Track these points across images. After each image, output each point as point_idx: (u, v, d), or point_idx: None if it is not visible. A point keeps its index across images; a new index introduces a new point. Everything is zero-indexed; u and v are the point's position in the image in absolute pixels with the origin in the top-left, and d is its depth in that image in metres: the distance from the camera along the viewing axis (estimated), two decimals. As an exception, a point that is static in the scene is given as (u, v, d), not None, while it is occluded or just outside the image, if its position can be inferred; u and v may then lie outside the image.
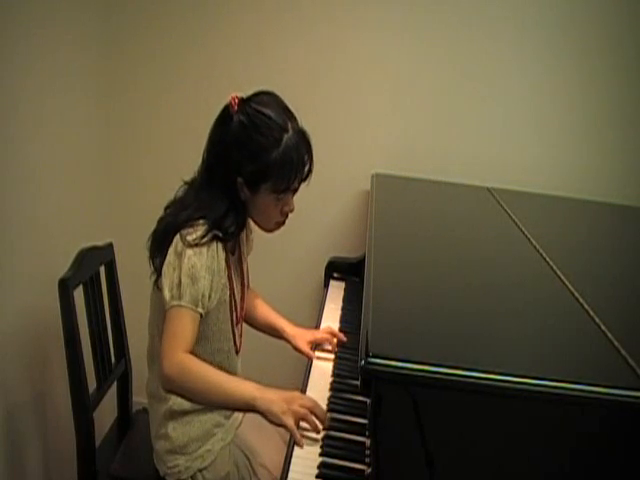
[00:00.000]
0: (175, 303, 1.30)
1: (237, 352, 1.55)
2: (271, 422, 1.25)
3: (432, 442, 0.96)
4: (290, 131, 1.36)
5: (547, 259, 1.47)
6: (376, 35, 2.18)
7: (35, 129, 1.80)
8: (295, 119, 1.39)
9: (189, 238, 1.30)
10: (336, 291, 2.04)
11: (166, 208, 1.43)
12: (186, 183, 1.44)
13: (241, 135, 1.34)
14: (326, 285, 2.11)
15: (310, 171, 1.40)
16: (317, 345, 1.66)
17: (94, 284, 1.71)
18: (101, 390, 1.69)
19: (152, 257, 1.40)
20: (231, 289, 1.45)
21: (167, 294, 1.30)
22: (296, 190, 1.42)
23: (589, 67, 2.15)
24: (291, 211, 1.45)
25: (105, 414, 1.77)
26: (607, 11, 2.10)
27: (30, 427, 1.87)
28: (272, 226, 1.46)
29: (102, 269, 1.77)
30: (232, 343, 1.51)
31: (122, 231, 2.34)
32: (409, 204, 2.01)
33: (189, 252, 1.30)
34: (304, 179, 1.40)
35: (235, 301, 1.48)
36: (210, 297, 1.35)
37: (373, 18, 2.17)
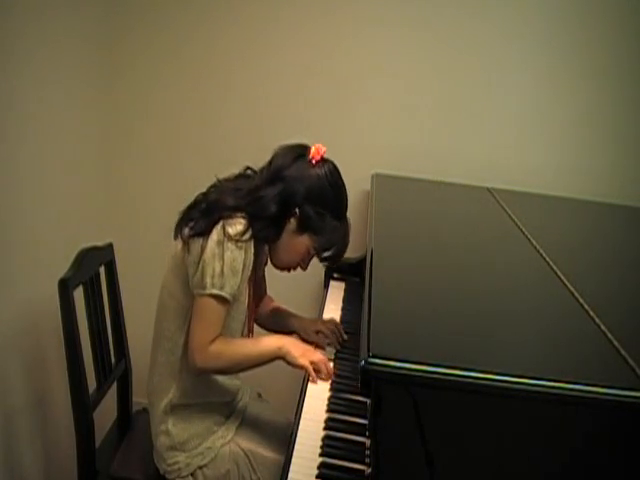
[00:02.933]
0: (215, 292, 1.35)
1: None
2: (289, 363, 1.41)
3: (432, 442, 0.96)
4: (347, 216, 1.51)
5: (547, 259, 1.47)
6: (377, 35, 2.18)
7: (35, 129, 1.80)
8: None
9: (230, 231, 1.35)
10: (336, 291, 2.04)
11: (211, 187, 1.48)
12: (246, 175, 1.51)
13: (317, 184, 1.43)
14: (326, 285, 2.11)
15: (340, 257, 1.54)
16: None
17: (94, 284, 1.71)
18: (101, 390, 1.69)
19: (184, 221, 1.43)
20: (249, 291, 1.50)
21: (208, 280, 1.35)
22: (320, 258, 1.53)
23: (589, 67, 2.15)
24: (304, 269, 1.54)
25: (105, 414, 1.77)
26: (609, 12, 2.10)
27: (30, 427, 1.87)
28: (283, 266, 1.54)
29: (102, 269, 1.77)
30: None
31: (122, 231, 2.34)
32: (409, 204, 2.01)
33: (231, 246, 1.35)
34: (336, 259, 1.53)
35: (250, 304, 1.52)
36: (239, 289, 1.40)
37: (374, 18, 2.17)
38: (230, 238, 1.34)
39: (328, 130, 2.27)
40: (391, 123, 2.25)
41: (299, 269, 1.55)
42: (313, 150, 1.45)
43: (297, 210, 1.43)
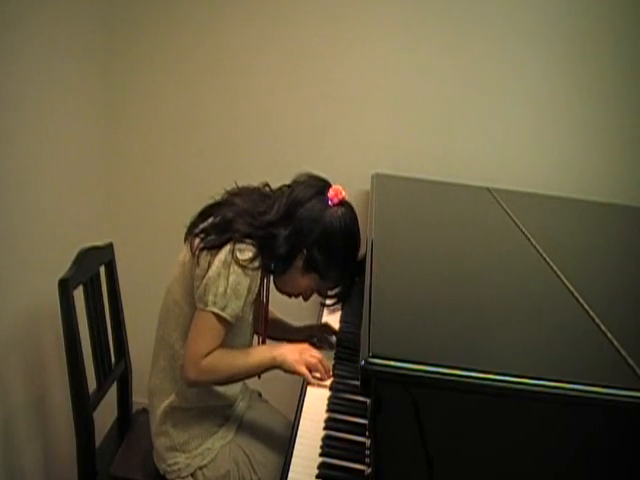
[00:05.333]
0: (217, 311, 1.34)
1: None
2: (286, 371, 1.40)
3: (432, 442, 0.96)
4: (357, 260, 1.48)
5: (547, 259, 1.47)
6: (376, 35, 2.18)
7: (35, 129, 1.80)
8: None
9: (239, 256, 1.34)
10: (336, 291, 2.04)
11: (226, 197, 1.46)
12: (263, 194, 1.48)
13: (331, 228, 1.41)
14: (326, 285, 2.10)
15: (342, 301, 1.56)
16: (317, 340, 1.66)
17: (94, 284, 1.71)
18: (101, 390, 1.69)
19: (195, 226, 1.42)
20: (256, 309, 1.50)
21: (210, 297, 1.34)
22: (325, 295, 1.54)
23: (589, 67, 2.15)
24: (305, 300, 1.54)
25: (105, 414, 1.77)
26: (606, 12, 2.10)
27: (30, 427, 1.87)
28: (285, 293, 1.53)
29: (102, 269, 1.77)
30: None
31: (122, 231, 2.34)
32: (409, 204, 2.01)
33: (237, 269, 1.34)
34: (337, 302, 1.55)
35: (256, 322, 1.53)
36: (243, 310, 1.40)
37: (374, 19, 2.17)
38: (237, 262, 1.34)
39: (328, 130, 2.27)
40: (391, 123, 2.25)
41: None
42: (332, 192, 1.44)
43: (305, 250, 1.42)
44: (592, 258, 1.66)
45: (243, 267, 1.34)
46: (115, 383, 1.81)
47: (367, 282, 1.29)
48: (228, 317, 1.36)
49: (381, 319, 1.11)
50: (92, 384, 1.65)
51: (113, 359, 1.79)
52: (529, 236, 1.63)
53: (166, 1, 2.22)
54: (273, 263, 1.42)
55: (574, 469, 0.99)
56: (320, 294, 1.54)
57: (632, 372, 0.99)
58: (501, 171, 2.24)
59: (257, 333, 1.60)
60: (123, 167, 2.37)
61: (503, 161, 2.24)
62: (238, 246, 1.35)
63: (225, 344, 1.41)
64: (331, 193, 1.44)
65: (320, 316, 1.83)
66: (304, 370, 1.40)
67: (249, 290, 1.38)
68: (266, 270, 1.43)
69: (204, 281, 1.35)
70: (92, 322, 1.66)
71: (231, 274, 1.34)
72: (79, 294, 1.62)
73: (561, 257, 1.49)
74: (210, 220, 1.42)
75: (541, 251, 1.52)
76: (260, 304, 1.52)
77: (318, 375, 1.44)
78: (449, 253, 1.56)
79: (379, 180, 2.13)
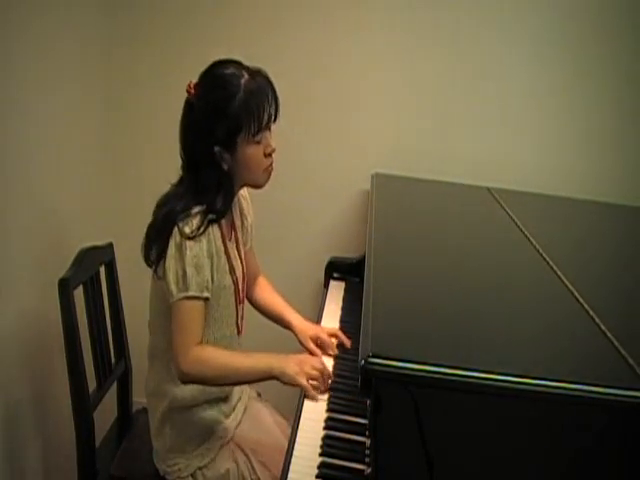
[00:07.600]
0: (182, 295, 1.33)
1: (239, 334, 1.57)
2: (285, 383, 1.36)
3: (432, 442, 0.96)
4: (245, 75, 1.38)
5: (547, 259, 1.47)
6: (376, 35, 2.18)
7: (35, 129, 1.80)
8: (247, 66, 1.42)
9: (187, 230, 1.33)
10: (336, 291, 2.04)
11: (158, 205, 1.43)
12: (174, 185, 1.46)
13: (203, 104, 1.36)
14: (326, 285, 2.11)
15: (277, 104, 1.42)
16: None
17: (94, 284, 1.71)
18: (101, 390, 1.69)
19: (148, 248, 1.41)
20: (232, 273, 1.47)
21: (173, 287, 1.33)
22: (269, 127, 1.42)
23: (588, 67, 2.15)
24: (273, 150, 1.44)
25: (105, 414, 1.77)
26: (606, 12, 2.10)
27: (30, 427, 1.87)
28: (263, 177, 1.45)
29: (102, 269, 1.77)
30: (234, 327, 1.53)
31: (122, 231, 2.34)
32: (409, 204, 2.01)
33: (189, 243, 1.33)
34: (274, 114, 1.42)
35: (237, 283, 1.50)
36: (214, 279, 1.38)
37: (373, 18, 2.17)
38: (187, 237, 1.32)
39: (328, 130, 2.27)
40: (391, 123, 2.25)
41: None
42: (186, 93, 1.39)
43: (216, 148, 1.37)
44: (592, 258, 1.66)
45: (193, 237, 1.32)
46: (115, 383, 1.81)
47: (367, 282, 1.29)
48: (195, 293, 1.33)
49: (381, 319, 1.11)
50: (92, 384, 1.65)
51: (113, 359, 1.79)
52: (529, 236, 1.63)
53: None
54: (223, 201, 1.39)
55: (574, 469, 0.99)
56: (263, 130, 1.41)
57: (632, 372, 0.99)
58: (501, 171, 2.24)
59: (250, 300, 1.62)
60: (123, 167, 2.37)
61: (503, 161, 2.24)
62: (181, 225, 1.33)
63: (213, 317, 1.41)
64: (187, 92, 1.39)
65: (320, 316, 1.83)
66: (305, 383, 1.37)
67: (210, 254, 1.36)
68: (226, 210, 1.41)
69: (164, 274, 1.34)
70: (92, 322, 1.66)
71: (185, 251, 1.32)
72: (79, 294, 1.62)
73: (561, 257, 1.49)
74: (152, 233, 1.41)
75: (541, 251, 1.52)
76: (231, 265, 1.48)
77: (316, 384, 1.40)
78: (449, 253, 1.56)
79: (379, 180, 2.13)
